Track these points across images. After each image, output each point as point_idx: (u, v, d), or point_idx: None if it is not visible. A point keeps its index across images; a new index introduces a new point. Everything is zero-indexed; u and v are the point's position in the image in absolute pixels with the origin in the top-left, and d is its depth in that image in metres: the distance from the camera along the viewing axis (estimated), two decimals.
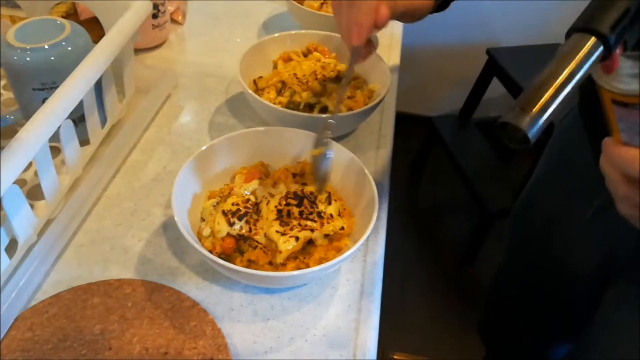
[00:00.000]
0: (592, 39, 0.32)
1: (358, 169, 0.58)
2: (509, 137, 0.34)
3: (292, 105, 0.67)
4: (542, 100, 0.32)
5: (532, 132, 0.32)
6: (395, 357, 1.61)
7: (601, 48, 0.32)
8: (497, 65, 1.82)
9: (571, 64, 0.32)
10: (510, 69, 1.76)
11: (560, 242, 0.84)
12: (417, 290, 1.78)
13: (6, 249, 0.50)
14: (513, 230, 0.99)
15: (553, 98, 0.32)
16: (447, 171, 1.95)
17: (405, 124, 2.23)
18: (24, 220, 0.51)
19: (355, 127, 0.72)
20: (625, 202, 0.42)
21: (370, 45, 0.56)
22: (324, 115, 0.64)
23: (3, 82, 0.74)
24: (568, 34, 0.33)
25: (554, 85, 0.32)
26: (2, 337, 0.48)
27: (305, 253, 0.53)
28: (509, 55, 1.80)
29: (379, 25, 0.51)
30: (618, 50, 0.34)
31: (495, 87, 1.90)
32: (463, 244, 1.85)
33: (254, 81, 0.71)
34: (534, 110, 0.32)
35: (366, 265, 0.58)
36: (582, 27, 0.33)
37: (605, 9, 0.33)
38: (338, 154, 0.60)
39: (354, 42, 0.52)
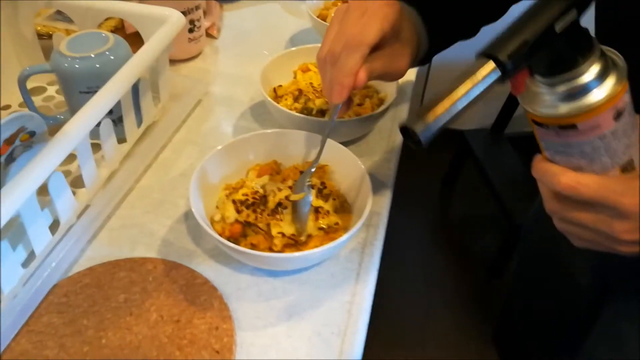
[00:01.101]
0: (491, 64, 0.37)
1: (359, 170, 0.64)
2: (410, 139, 0.39)
3: (305, 111, 0.74)
4: (437, 111, 0.37)
5: (425, 136, 0.38)
6: None
7: (499, 73, 0.37)
8: None
9: (468, 84, 0.37)
10: None
11: (561, 248, 0.86)
12: (443, 301, 1.81)
13: (50, 228, 0.59)
14: (523, 243, 1.03)
15: (448, 111, 0.37)
16: (478, 185, 1.98)
17: (437, 137, 2.28)
18: (66, 203, 0.60)
19: (363, 132, 0.78)
20: (555, 217, 0.46)
21: (350, 100, 0.60)
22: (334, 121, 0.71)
23: (56, 87, 0.84)
24: (476, 56, 0.39)
25: (450, 100, 0.37)
26: (40, 301, 0.56)
27: (302, 243, 0.59)
28: None
29: (357, 87, 0.54)
30: (522, 76, 0.39)
31: None
32: (491, 257, 1.86)
33: (274, 89, 0.79)
34: (429, 119, 0.38)
35: (364, 256, 0.64)
36: (484, 52, 0.38)
37: (507, 39, 0.37)
38: (343, 156, 0.66)
39: (334, 101, 0.55)
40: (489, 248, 1.93)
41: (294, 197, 0.61)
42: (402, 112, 0.86)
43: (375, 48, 0.55)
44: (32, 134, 0.55)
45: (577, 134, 0.40)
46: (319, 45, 0.84)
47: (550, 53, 0.38)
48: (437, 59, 2.10)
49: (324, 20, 0.95)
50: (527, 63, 0.38)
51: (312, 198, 0.61)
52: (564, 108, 0.39)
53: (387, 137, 0.81)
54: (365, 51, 0.53)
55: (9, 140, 0.52)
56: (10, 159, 0.55)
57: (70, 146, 0.55)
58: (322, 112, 0.75)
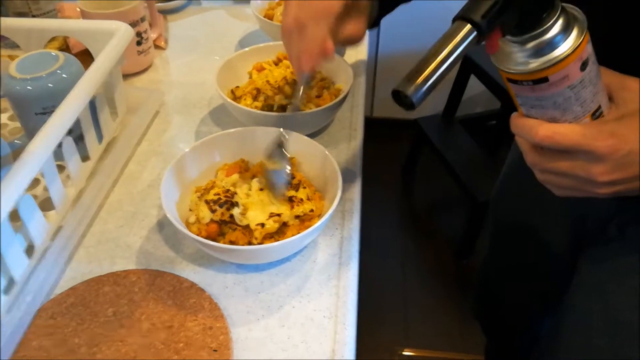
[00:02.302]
0: (468, 26, 0.40)
1: (325, 157, 0.65)
2: (401, 102, 0.42)
3: (266, 108, 0.75)
4: (425, 73, 0.40)
5: (416, 98, 0.40)
6: (404, 353, 1.67)
7: (475, 33, 0.40)
8: (473, 64, 1.90)
9: (449, 45, 0.40)
10: (486, 65, 1.84)
11: (534, 216, 0.90)
12: (419, 287, 1.84)
13: (25, 252, 0.58)
14: (493, 214, 1.06)
15: (434, 72, 0.40)
16: (437, 170, 2.02)
17: (393, 128, 2.33)
18: (38, 226, 0.59)
19: (324, 123, 0.79)
20: (536, 169, 0.49)
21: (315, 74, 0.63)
22: (295, 113, 0.72)
23: (7, 114, 0.82)
24: (453, 21, 0.41)
25: (435, 61, 0.40)
26: (27, 326, 0.55)
27: (280, 233, 0.60)
28: (484, 53, 1.86)
29: (325, 57, 0.57)
30: (495, 35, 0.41)
31: (474, 85, 1.98)
32: (459, 238, 1.91)
33: (232, 91, 0.79)
34: (418, 80, 0.40)
35: (343, 241, 0.65)
36: (460, 16, 0.41)
37: (479, 2, 0.40)
38: (309, 147, 0.68)
39: (305, 69, 0.57)
40: (455, 228, 1.98)
41: (270, 165, 0.62)
42: (359, 102, 0.88)
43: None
44: None
45: (550, 86, 0.43)
46: (270, 44, 0.86)
47: (518, 11, 0.41)
48: (382, 51, 2.13)
49: (271, 20, 0.96)
50: (498, 22, 0.41)
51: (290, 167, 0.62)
52: (535, 63, 0.42)
53: (348, 126, 0.83)
54: (332, 21, 0.56)
55: None
56: None
57: (37, 166, 0.54)
58: (283, 108, 0.76)
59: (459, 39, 0.40)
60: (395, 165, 2.29)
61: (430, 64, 0.40)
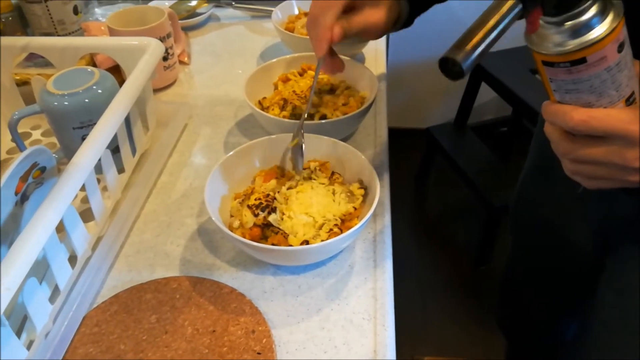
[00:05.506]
0: None
1: (360, 160, 0.67)
2: (449, 71, 0.42)
3: (294, 117, 0.77)
4: (474, 40, 0.41)
5: (466, 65, 0.41)
6: None
7: (520, 6, 0.41)
8: (484, 71, 1.92)
9: (496, 16, 0.41)
10: (497, 72, 1.86)
11: (558, 219, 0.90)
12: (437, 296, 1.84)
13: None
14: (514, 219, 1.06)
15: (482, 40, 0.41)
16: (450, 177, 2.03)
17: (405, 138, 2.34)
18: (80, 236, 0.60)
19: (352, 129, 0.81)
20: (566, 159, 0.49)
21: (337, 62, 0.67)
22: (323, 121, 0.74)
23: (41, 130, 0.84)
24: None
25: (483, 30, 0.41)
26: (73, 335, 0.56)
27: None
28: (494, 60, 1.89)
29: (334, 41, 0.62)
30: (537, 12, 0.43)
31: (485, 92, 2.00)
32: (476, 245, 1.91)
33: (259, 102, 0.81)
34: (467, 47, 0.41)
35: (376, 244, 0.66)
36: None
37: None
38: (341, 151, 0.69)
39: (317, 54, 0.63)
40: (471, 235, 1.98)
41: (292, 144, 0.68)
42: (382, 109, 0.90)
43: (352, 10, 0.63)
44: (43, 169, 0.55)
45: (587, 67, 0.44)
46: (294, 55, 0.88)
47: None
48: (391, 63, 2.15)
49: (292, 33, 0.98)
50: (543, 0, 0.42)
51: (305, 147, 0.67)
52: (573, 44, 0.43)
53: (373, 133, 0.84)
54: (337, 8, 0.61)
55: (23, 178, 0.52)
56: (25, 197, 0.55)
57: (84, 177, 0.56)
58: (311, 117, 0.77)
59: (504, 10, 0.41)
60: (408, 174, 2.30)
61: (478, 33, 0.41)
